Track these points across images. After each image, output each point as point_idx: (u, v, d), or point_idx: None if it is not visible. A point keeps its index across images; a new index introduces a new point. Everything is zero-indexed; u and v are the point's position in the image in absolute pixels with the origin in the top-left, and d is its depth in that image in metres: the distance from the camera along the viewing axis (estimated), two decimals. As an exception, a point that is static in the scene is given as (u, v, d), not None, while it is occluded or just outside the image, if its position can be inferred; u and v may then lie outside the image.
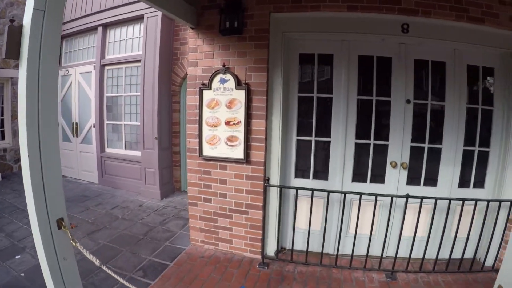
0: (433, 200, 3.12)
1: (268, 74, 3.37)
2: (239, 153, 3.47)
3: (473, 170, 3.50)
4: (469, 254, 3.33)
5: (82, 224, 4.40)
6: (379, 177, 3.60)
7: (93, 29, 6.11)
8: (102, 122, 6.10)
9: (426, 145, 3.51)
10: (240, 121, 3.42)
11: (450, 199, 3.13)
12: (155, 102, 5.16)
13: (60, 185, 1.54)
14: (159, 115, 5.21)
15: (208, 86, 3.48)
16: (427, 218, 3.33)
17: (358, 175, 3.63)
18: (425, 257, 3.24)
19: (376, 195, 3.20)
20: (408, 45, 3.37)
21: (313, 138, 3.60)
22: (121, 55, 5.79)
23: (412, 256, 3.25)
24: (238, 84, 3.39)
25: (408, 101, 3.48)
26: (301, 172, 3.73)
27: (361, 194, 3.22)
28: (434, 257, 3.24)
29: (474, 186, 3.52)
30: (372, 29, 3.28)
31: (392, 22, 3.21)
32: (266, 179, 3.37)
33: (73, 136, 6.69)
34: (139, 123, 5.48)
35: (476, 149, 3.47)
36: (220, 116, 3.49)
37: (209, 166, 3.64)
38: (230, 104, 3.44)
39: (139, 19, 5.45)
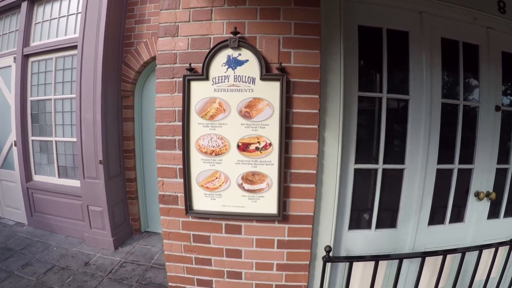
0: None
1: (321, 53, 1.42)
2: (267, 204, 1.48)
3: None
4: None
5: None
6: (458, 214, 1.98)
7: (16, 6, 3.52)
8: (26, 138, 3.51)
9: (511, 166, 2.01)
10: (270, 144, 1.42)
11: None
12: (97, 108, 2.78)
13: None
14: (103, 128, 2.82)
15: (203, 74, 1.41)
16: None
17: (435, 215, 1.91)
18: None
19: (481, 247, 1.68)
20: (496, 31, 1.86)
21: (380, 166, 1.75)
22: (51, 40, 3.30)
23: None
24: (267, 70, 1.38)
25: (498, 108, 1.90)
26: (358, 218, 1.86)
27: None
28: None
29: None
30: (463, 1, 1.73)
31: (488, -4, 1.71)
32: (327, 250, 1.43)
33: (-9, 158, 3.94)
34: (75, 139, 3.06)
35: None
36: (228, 133, 1.46)
37: (205, 227, 1.58)
38: (249, 110, 1.42)
39: (78, -13, 3.07)
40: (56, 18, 3.29)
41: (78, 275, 2.59)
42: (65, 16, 3.23)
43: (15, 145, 3.60)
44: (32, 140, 3.52)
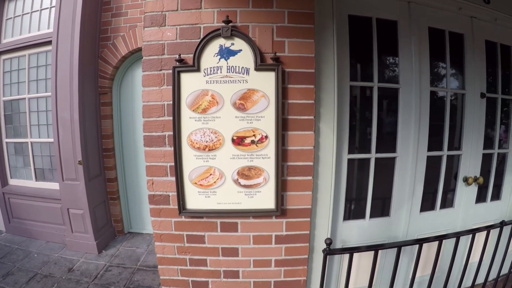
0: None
1: (315, 42, 1.37)
2: (264, 199, 1.42)
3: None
4: None
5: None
6: (448, 200, 2.02)
7: None
8: None
9: (496, 151, 2.08)
10: (266, 136, 1.36)
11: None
12: (74, 106, 2.59)
13: None
14: (82, 126, 2.66)
15: (194, 65, 1.32)
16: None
17: (426, 202, 1.93)
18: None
19: (474, 231, 1.72)
20: (480, 20, 1.89)
21: (373, 155, 1.74)
22: (24, 36, 3.05)
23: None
24: (261, 60, 1.31)
25: (483, 95, 1.94)
26: (352, 209, 1.84)
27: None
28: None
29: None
30: None
31: (473, -15, 1.74)
32: (327, 243, 1.39)
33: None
34: (52, 140, 2.85)
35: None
36: (222, 127, 1.38)
37: (200, 227, 1.50)
38: (243, 102, 1.34)
39: (51, -21, 2.86)
40: (28, 13, 3.06)
41: (62, 282, 2.42)
42: (38, 10, 3.00)
43: (-13, 148, 3.33)
44: (6, 143, 3.27)
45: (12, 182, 3.29)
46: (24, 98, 3.06)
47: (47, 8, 2.94)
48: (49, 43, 2.78)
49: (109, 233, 3.08)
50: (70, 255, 2.86)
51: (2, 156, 3.28)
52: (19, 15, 3.13)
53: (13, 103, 3.17)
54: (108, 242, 3.04)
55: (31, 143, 3.08)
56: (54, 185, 2.95)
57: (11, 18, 3.18)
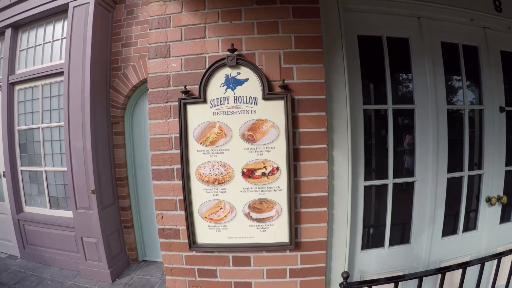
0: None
1: (324, 67, 1.28)
2: (277, 233, 1.31)
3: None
4: None
5: None
6: (471, 222, 1.85)
7: (0, 33, 3.30)
8: (15, 168, 3.25)
9: None
10: (278, 168, 1.26)
11: None
12: (86, 136, 2.57)
13: None
14: (94, 156, 2.63)
15: (200, 96, 1.25)
16: None
17: (448, 225, 1.77)
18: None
19: (499, 255, 1.55)
20: (493, 31, 1.77)
21: (390, 181, 1.60)
22: (37, 67, 3.09)
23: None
24: (269, 88, 1.23)
25: (502, 109, 1.80)
26: (370, 237, 1.71)
27: None
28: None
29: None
30: (460, 3, 1.64)
31: (484, -6, 1.63)
32: (344, 277, 1.26)
33: (-20, 190, 3.62)
34: (66, 169, 2.82)
35: None
36: (231, 159, 1.29)
37: (211, 261, 1.40)
38: (252, 133, 1.26)
39: (62, 12, 2.88)
40: (41, 44, 3.10)
41: (75, 313, 2.33)
42: (50, 42, 3.04)
43: (4, 176, 3.34)
44: (21, 171, 3.26)
45: (27, 209, 3.27)
46: (38, 128, 3.06)
47: (59, 39, 2.97)
48: (61, 73, 2.80)
49: (123, 261, 2.98)
50: (84, 283, 2.78)
51: (17, 183, 3.27)
52: (32, 47, 3.18)
53: (28, 132, 3.18)
54: (122, 271, 2.94)
55: (45, 171, 3.06)
56: (68, 213, 2.91)
57: (24, 49, 3.23)
